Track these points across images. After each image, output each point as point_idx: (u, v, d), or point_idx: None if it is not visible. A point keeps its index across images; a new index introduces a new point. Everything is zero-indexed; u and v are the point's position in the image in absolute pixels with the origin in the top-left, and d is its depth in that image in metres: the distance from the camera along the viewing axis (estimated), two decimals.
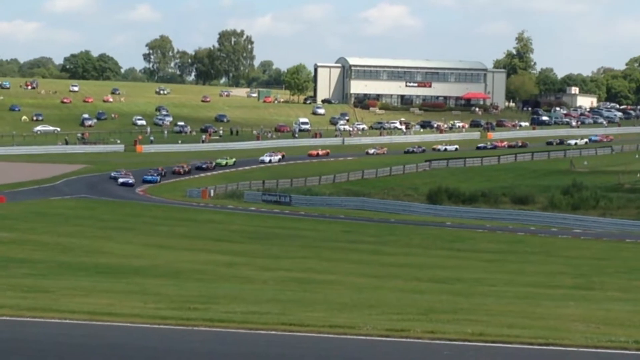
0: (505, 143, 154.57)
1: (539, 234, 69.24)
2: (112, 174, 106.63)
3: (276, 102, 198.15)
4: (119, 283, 32.19)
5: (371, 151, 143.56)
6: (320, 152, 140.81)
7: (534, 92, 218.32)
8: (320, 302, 26.39)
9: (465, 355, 17.19)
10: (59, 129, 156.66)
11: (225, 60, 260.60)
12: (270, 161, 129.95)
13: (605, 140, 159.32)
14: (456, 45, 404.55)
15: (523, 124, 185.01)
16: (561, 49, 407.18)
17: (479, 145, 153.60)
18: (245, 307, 23.56)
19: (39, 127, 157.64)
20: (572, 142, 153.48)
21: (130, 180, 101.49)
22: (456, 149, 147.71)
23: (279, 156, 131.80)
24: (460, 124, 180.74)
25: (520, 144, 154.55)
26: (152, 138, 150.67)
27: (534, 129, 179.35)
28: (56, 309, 21.99)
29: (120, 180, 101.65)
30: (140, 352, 17.10)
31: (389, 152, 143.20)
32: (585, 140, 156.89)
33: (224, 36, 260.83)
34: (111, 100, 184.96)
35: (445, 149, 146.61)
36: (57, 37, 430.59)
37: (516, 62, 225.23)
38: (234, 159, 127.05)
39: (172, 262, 42.77)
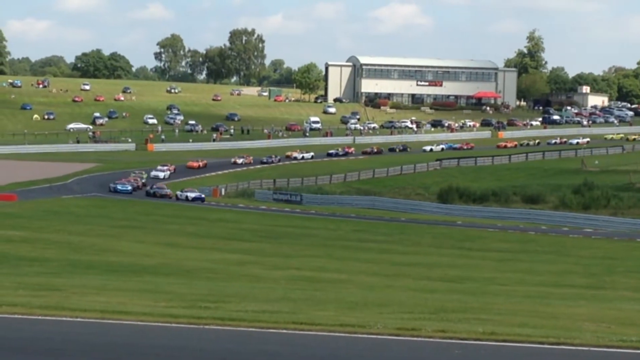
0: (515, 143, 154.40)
1: (550, 233, 69.14)
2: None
3: (287, 101, 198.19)
4: (130, 281, 32.25)
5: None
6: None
7: (545, 91, 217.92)
8: (330, 301, 26.40)
9: (476, 354, 17.18)
10: (90, 127, 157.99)
11: (236, 59, 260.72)
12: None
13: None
14: (467, 44, 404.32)
15: (534, 123, 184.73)
16: (572, 48, 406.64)
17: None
18: (256, 306, 23.58)
19: (71, 125, 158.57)
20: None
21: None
22: (442, 149, 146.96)
23: (311, 154, 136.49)
24: (471, 123, 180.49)
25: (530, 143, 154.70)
26: (163, 137, 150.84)
27: (545, 128, 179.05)
28: (67, 307, 22.03)
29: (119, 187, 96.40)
30: (152, 350, 17.13)
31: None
32: (587, 139, 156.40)
33: (235, 35, 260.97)
34: (122, 98, 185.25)
35: (431, 150, 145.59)
36: (69, 35, 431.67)
37: (527, 61, 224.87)
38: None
39: (182, 261, 42.82)
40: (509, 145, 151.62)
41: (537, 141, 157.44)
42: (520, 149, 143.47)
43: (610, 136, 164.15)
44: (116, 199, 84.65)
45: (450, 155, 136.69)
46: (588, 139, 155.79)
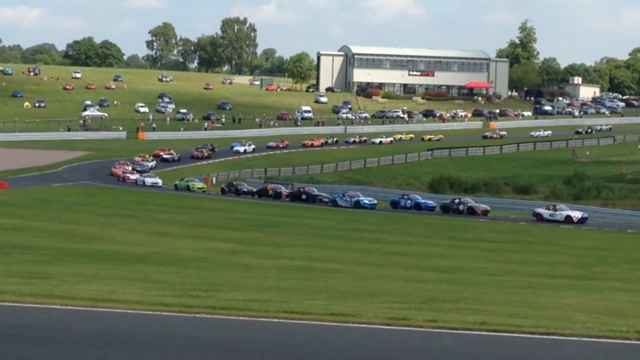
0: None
1: (541, 223, 69.22)
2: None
3: (279, 90, 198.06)
4: (120, 270, 32.21)
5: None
6: (358, 139, 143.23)
7: (537, 81, 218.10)
8: (322, 290, 26.41)
9: (467, 344, 17.20)
10: (106, 115, 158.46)
11: (228, 48, 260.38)
12: (312, 145, 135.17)
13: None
14: (459, 35, 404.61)
15: (526, 113, 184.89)
16: (564, 39, 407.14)
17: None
18: (247, 295, 23.59)
19: (86, 113, 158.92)
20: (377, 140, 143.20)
21: None
22: (391, 141, 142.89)
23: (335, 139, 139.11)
24: (463, 113, 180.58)
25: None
26: (154, 125, 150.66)
27: (536, 118, 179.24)
28: (58, 295, 22.02)
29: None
30: (142, 338, 17.12)
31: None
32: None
33: (227, 24, 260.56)
34: (114, 87, 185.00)
35: (380, 142, 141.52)
36: (60, 23, 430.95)
37: (519, 51, 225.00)
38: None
39: (174, 250, 42.77)
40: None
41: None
42: (512, 139, 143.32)
43: (401, 135, 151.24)
44: (107, 187, 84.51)
45: (441, 145, 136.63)
46: (391, 139, 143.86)
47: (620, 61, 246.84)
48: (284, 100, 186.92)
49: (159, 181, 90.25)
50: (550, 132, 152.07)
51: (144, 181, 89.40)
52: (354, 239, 52.95)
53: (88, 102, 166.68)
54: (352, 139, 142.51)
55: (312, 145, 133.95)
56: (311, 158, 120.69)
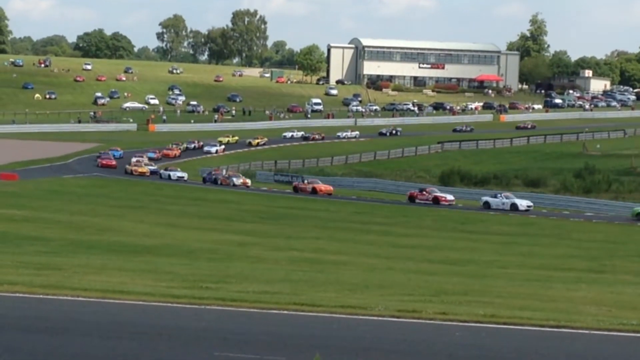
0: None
1: (551, 216, 69.12)
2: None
3: (289, 82, 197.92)
4: (131, 261, 32.29)
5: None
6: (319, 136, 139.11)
7: (547, 74, 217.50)
8: (331, 282, 26.44)
9: (477, 336, 17.21)
10: (145, 107, 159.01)
11: (238, 40, 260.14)
12: (346, 136, 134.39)
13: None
14: (470, 27, 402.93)
15: (536, 106, 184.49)
16: (575, 31, 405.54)
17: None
18: (257, 287, 23.62)
19: (127, 104, 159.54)
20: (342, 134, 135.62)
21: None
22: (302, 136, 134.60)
23: (357, 133, 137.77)
24: (473, 106, 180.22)
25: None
26: (164, 117, 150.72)
27: (546, 111, 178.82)
28: (69, 286, 22.09)
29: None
30: (153, 330, 17.16)
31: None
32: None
33: (237, 16, 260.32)
34: (124, 79, 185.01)
35: (292, 136, 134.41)
36: (71, 15, 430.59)
37: (530, 44, 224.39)
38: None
39: (183, 241, 42.83)
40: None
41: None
42: (522, 132, 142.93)
43: None
44: (117, 178, 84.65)
45: (452, 138, 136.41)
46: (357, 133, 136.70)
47: (631, 54, 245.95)
48: (294, 92, 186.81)
49: (185, 175, 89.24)
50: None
51: (169, 175, 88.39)
52: (364, 231, 52.95)
53: (98, 94, 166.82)
54: (289, 135, 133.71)
55: (249, 144, 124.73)
56: (321, 150, 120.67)
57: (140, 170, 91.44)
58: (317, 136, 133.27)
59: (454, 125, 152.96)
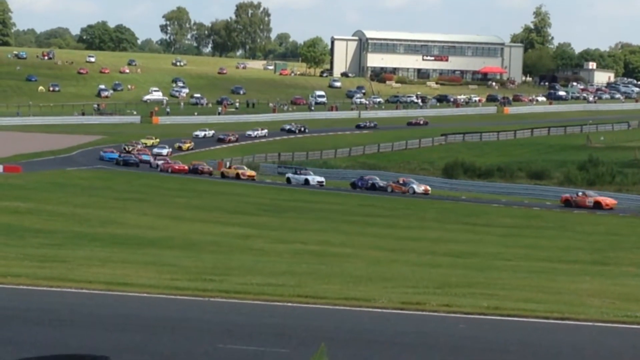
0: None
1: (555, 209, 69.12)
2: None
3: (292, 74, 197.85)
4: (134, 254, 32.30)
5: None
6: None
7: (551, 67, 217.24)
8: (335, 274, 26.44)
9: (481, 328, 17.20)
10: (167, 98, 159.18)
11: (241, 33, 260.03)
12: (257, 135, 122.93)
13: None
14: (474, 20, 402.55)
15: (540, 99, 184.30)
16: (579, 23, 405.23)
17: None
18: (261, 279, 23.62)
19: (147, 96, 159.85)
20: (252, 132, 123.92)
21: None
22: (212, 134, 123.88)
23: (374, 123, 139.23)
24: (477, 99, 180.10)
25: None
26: (168, 110, 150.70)
27: (550, 104, 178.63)
28: (72, 278, 22.09)
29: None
30: (157, 322, 17.16)
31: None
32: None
33: (241, 8, 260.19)
34: (127, 71, 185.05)
35: (257, 136, 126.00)
36: (74, 7, 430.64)
37: (533, 36, 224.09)
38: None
39: (187, 234, 42.84)
40: None
41: None
42: (526, 124, 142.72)
43: None
44: (121, 170, 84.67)
45: (455, 130, 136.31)
46: (266, 131, 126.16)
47: (635, 46, 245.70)
48: (297, 84, 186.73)
49: (323, 179, 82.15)
50: (267, 130, 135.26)
51: (305, 179, 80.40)
52: (368, 223, 52.94)
53: (102, 87, 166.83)
54: (201, 134, 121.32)
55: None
56: (324, 143, 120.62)
57: (248, 174, 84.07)
58: (232, 137, 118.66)
59: (456, 119, 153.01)
